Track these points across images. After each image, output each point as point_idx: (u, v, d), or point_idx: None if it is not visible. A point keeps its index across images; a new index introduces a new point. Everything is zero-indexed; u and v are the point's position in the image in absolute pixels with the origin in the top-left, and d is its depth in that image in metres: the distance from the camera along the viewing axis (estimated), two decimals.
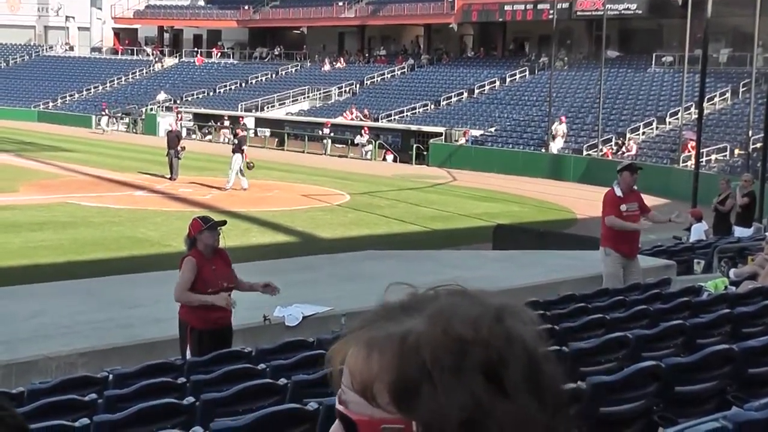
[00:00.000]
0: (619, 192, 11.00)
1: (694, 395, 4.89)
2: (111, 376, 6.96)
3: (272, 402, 5.57)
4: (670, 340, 6.35)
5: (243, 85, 59.18)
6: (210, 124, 52.65)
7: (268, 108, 53.57)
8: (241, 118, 51.13)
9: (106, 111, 56.56)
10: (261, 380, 5.90)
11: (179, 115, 52.37)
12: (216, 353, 7.66)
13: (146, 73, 65.71)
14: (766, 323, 7.08)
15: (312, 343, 7.93)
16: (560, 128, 39.43)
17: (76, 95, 63.24)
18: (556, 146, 38.59)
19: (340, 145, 45.28)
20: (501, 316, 1.22)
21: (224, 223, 8.35)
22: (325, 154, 44.82)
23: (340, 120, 48.35)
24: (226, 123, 51.55)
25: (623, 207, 10.96)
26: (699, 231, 17.77)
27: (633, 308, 7.98)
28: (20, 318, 9.41)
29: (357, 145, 44.42)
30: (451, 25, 54.67)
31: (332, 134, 45.82)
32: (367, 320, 1.26)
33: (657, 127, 38.90)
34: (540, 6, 49.16)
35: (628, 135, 38.22)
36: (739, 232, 17.59)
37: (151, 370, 7.10)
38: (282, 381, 5.77)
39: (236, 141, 29.47)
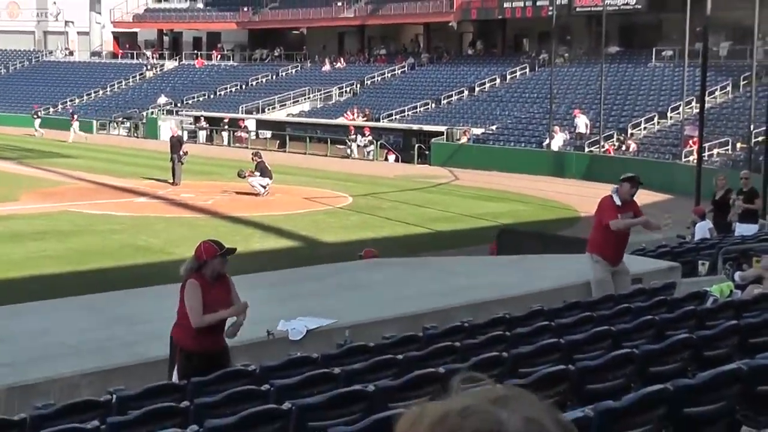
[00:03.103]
0: (617, 200, 10.97)
1: (703, 417, 4.83)
2: (114, 399, 6.90)
3: (277, 428, 5.53)
4: (677, 354, 6.30)
5: (243, 87, 59.12)
6: (222, 125, 52.47)
7: (269, 110, 53.51)
8: (241, 121, 51.12)
9: (38, 113, 56.20)
10: (265, 406, 5.85)
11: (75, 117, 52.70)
12: (221, 372, 7.61)
13: (146, 76, 65.69)
14: None
15: (316, 360, 7.88)
16: (581, 121, 39.18)
17: (77, 100, 63.21)
18: (556, 143, 38.47)
19: (341, 146, 45.20)
20: None
21: (235, 250, 8.29)
22: (350, 157, 43.94)
23: (341, 120, 48.30)
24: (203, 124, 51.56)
25: (619, 216, 10.94)
26: (703, 229, 17.68)
27: (639, 318, 7.93)
28: (23, 338, 9.37)
29: (360, 146, 44.27)
30: (450, 24, 54.59)
31: (365, 140, 44.49)
32: None
33: (658, 122, 38.83)
34: (539, 2, 49.05)
35: (629, 131, 38.14)
36: (742, 229, 17.44)
37: (155, 392, 7.05)
38: (286, 405, 5.71)
39: (258, 171, 29.10)
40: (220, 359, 8.03)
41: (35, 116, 55.64)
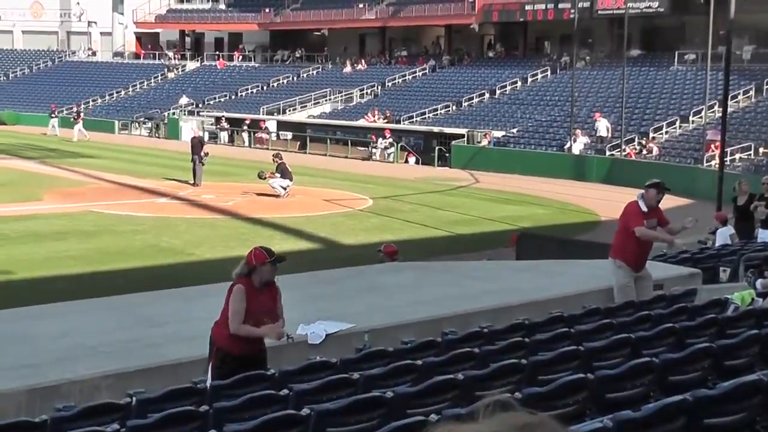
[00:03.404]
0: (643, 207, 10.93)
1: (724, 428, 4.82)
2: (134, 402, 6.94)
3: None
4: (697, 363, 6.27)
5: (265, 88, 59.26)
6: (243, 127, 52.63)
7: (290, 111, 53.62)
8: (262, 122, 51.23)
9: (55, 112, 55.54)
10: (284, 411, 5.87)
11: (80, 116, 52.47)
12: (241, 376, 7.64)
13: (168, 77, 65.96)
14: None
15: (335, 364, 7.89)
16: (602, 125, 39.03)
17: (99, 100, 63.58)
18: (577, 147, 38.37)
19: (362, 148, 45.22)
20: None
21: (284, 258, 8.32)
22: (370, 159, 44.00)
23: (362, 122, 48.33)
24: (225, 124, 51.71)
25: (644, 222, 10.91)
26: (725, 235, 17.57)
27: (659, 325, 7.90)
28: (45, 339, 9.43)
29: (380, 147, 44.31)
30: (472, 26, 54.52)
31: (386, 142, 44.48)
32: None
33: (680, 126, 38.63)
34: (561, 5, 48.92)
35: (651, 134, 37.96)
36: (765, 235, 17.26)
37: (175, 395, 7.08)
38: (305, 411, 5.73)
39: (278, 173, 29.22)
40: (256, 363, 8.03)
41: (53, 116, 55.20)
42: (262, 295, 8.01)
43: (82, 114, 54.24)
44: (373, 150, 44.38)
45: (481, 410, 1.63)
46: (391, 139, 44.06)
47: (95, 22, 73.95)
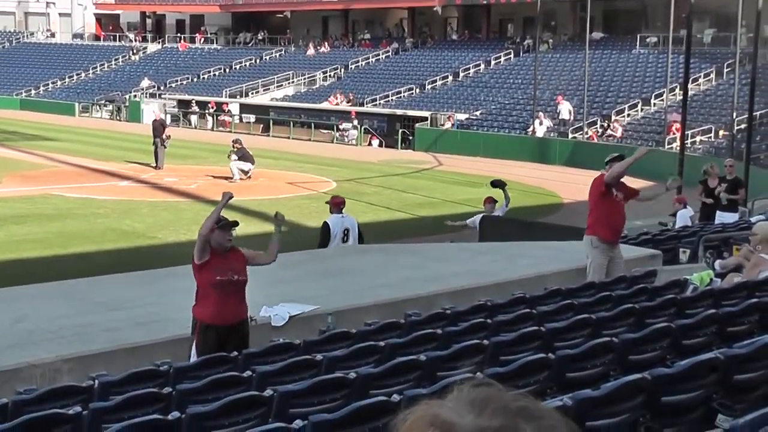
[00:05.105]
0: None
1: (681, 405, 4.89)
2: (96, 385, 6.90)
3: (258, 415, 5.56)
4: (656, 343, 6.35)
5: (227, 70, 58.92)
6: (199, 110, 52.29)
7: (252, 94, 53.36)
8: (225, 105, 50.95)
9: None
10: (247, 392, 5.87)
11: None
12: (202, 358, 7.66)
13: (129, 59, 65.33)
14: (751, 321, 7.10)
15: (298, 346, 7.90)
16: (564, 108, 39.19)
17: (59, 83, 62.85)
18: (542, 130, 38.55)
19: (325, 131, 45.15)
20: None
21: (236, 223, 8.58)
22: (333, 141, 44.03)
23: (325, 105, 48.22)
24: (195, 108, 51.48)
25: (613, 191, 11.00)
26: (685, 217, 17.78)
27: (619, 306, 7.99)
28: (3, 323, 9.34)
29: (342, 130, 44.29)
30: (435, 8, 54.51)
31: (350, 124, 44.42)
32: None
33: (642, 109, 38.92)
34: None
35: (613, 117, 38.22)
36: (725, 217, 17.46)
37: (137, 378, 7.06)
38: (268, 392, 5.74)
39: (236, 156, 29.20)
40: (239, 332, 8.31)
41: None
42: (228, 256, 8.34)
43: None
44: (345, 135, 44.23)
45: (464, 390, 1.49)
46: (355, 122, 44.03)
47: (54, 3, 73.02)
